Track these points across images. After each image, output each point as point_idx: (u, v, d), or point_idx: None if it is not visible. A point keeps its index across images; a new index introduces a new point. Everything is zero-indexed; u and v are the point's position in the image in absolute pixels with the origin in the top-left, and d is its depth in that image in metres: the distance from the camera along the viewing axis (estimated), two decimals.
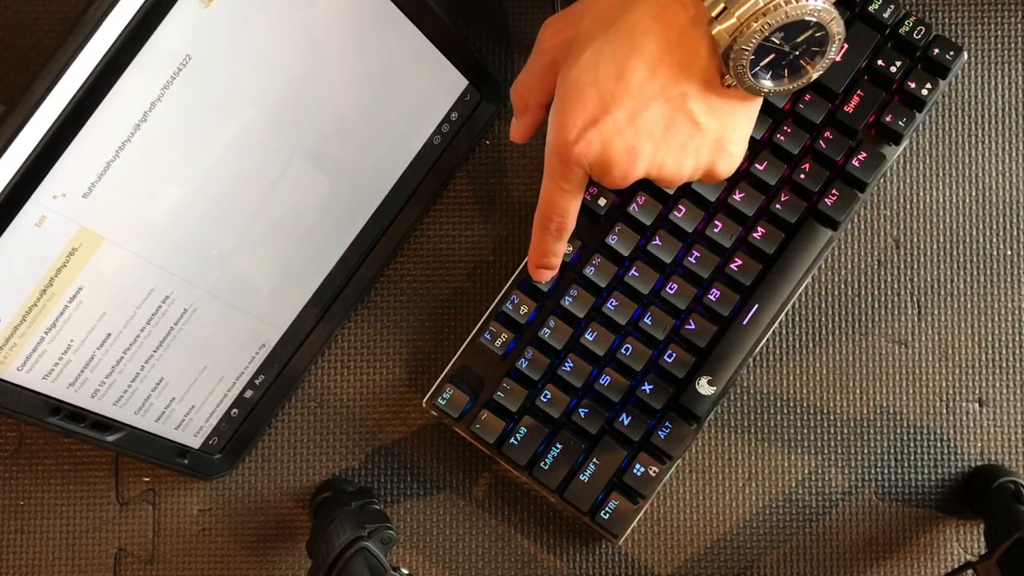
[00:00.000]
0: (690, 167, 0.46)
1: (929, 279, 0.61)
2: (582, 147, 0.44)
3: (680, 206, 0.57)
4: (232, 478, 0.61)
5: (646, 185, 0.58)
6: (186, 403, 0.56)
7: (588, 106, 0.44)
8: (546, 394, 0.57)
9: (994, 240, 0.61)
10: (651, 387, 0.57)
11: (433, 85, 0.57)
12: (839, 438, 0.60)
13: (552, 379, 0.58)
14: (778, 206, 0.57)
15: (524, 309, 0.58)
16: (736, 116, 0.45)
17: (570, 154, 0.44)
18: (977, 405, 0.60)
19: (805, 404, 0.60)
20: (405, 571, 0.51)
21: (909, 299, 0.61)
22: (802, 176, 0.57)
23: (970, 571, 0.52)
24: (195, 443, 0.58)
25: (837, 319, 0.61)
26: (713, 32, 0.42)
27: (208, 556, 0.61)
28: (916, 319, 0.61)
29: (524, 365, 0.57)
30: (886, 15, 0.57)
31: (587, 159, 0.44)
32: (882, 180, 0.61)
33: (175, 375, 0.54)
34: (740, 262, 0.57)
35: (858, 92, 0.57)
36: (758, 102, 0.46)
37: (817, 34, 0.42)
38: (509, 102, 0.61)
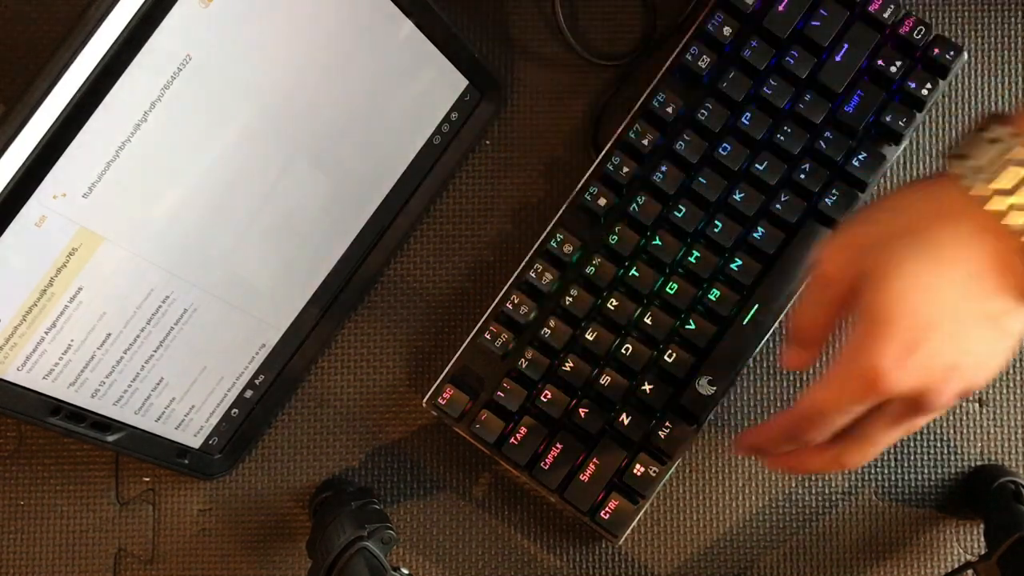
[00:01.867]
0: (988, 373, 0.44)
1: None
2: (899, 375, 0.42)
3: (680, 206, 0.57)
4: (232, 478, 0.61)
5: (646, 185, 0.58)
6: (186, 403, 0.56)
7: (904, 334, 0.42)
8: (546, 394, 0.57)
9: None
10: (651, 387, 0.57)
11: (433, 85, 0.57)
12: None
13: (552, 379, 0.58)
14: (778, 206, 0.57)
15: (524, 309, 0.58)
16: None
17: (883, 384, 0.42)
18: (977, 405, 0.60)
19: None
20: (405, 571, 0.51)
21: None
22: (802, 176, 0.57)
23: (970, 571, 0.52)
24: (195, 443, 0.58)
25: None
26: None
27: (208, 556, 0.61)
28: None
29: (524, 365, 0.57)
30: (886, 15, 0.57)
31: (901, 387, 0.43)
32: (882, 180, 0.61)
33: (175, 375, 0.54)
34: (740, 262, 0.57)
35: (858, 92, 0.57)
36: None
37: None
38: (510, 102, 0.61)
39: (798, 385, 0.60)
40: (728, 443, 0.61)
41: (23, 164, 0.41)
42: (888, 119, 0.57)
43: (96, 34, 0.40)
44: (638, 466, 0.57)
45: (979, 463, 0.60)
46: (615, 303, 0.57)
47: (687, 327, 0.57)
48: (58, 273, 0.45)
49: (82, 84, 0.41)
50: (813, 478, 0.60)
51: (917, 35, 0.57)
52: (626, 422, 0.57)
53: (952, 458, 0.60)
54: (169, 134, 0.46)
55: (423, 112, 0.58)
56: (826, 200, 0.57)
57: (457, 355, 0.59)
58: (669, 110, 0.57)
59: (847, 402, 0.44)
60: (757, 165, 0.57)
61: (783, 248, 0.57)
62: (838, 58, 0.57)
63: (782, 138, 0.57)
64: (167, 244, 0.49)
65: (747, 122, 0.57)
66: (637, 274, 0.57)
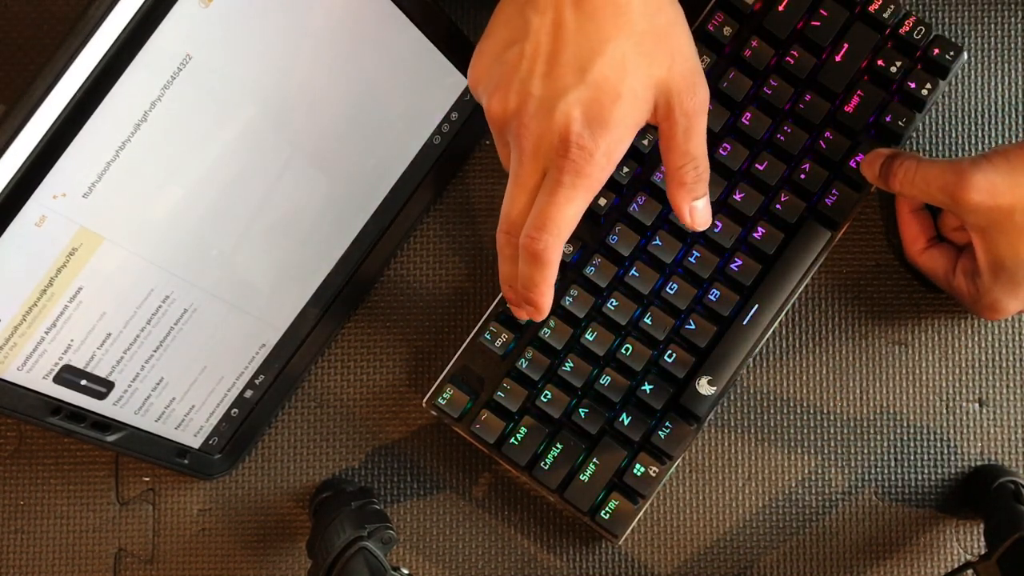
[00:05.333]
0: None
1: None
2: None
3: None
4: (232, 478, 0.61)
5: (646, 185, 0.58)
6: (186, 403, 0.56)
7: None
8: (546, 394, 0.57)
9: None
10: (651, 387, 0.57)
11: (433, 85, 0.57)
12: (839, 438, 0.60)
13: (552, 379, 0.58)
14: (778, 206, 0.57)
15: None
16: None
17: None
18: (977, 405, 0.60)
19: (805, 404, 0.60)
20: (405, 571, 0.51)
21: (908, 299, 0.61)
22: (802, 176, 0.57)
23: (970, 571, 0.52)
24: (195, 443, 0.58)
25: (837, 319, 0.61)
26: None
27: (208, 556, 0.61)
28: (916, 319, 0.61)
29: (524, 365, 0.57)
30: (886, 15, 0.57)
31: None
32: None
33: (175, 375, 0.54)
34: (740, 262, 0.57)
35: (858, 92, 0.57)
36: None
37: None
38: None
39: (799, 385, 0.60)
40: (728, 443, 0.61)
41: (23, 164, 0.41)
42: (888, 119, 0.57)
43: (96, 34, 0.40)
44: (638, 466, 0.57)
45: (979, 463, 0.60)
46: (615, 303, 0.57)
47: (687, 327, 0.57)
48: (58, 273, 0.45)
49: (82, 84, 0.41)
50: (813, 478, 0.60)
51: (917, 35, 0.57)
52: (626, 422, 0.57)
53: (952, 458, 0.60)
54: (169, 134, 0.46)
55: (423, 112, 0.58)
56: (826, 200, 0.57)
57: (457, 355, 0.59)
58: None
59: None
60: (757, 165, 0.57)
61: (783, 248, 0.57)
62: (838, 58, 0.57)
63: (782, 138, 0.57)
64: (167, 244, 0.49)
65: (747, 122, 0.57)
66: (637, 274, 0.57)
